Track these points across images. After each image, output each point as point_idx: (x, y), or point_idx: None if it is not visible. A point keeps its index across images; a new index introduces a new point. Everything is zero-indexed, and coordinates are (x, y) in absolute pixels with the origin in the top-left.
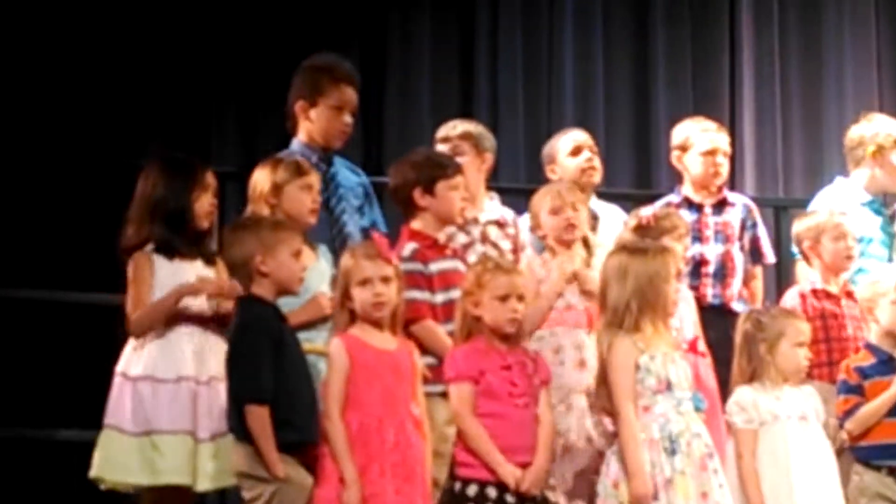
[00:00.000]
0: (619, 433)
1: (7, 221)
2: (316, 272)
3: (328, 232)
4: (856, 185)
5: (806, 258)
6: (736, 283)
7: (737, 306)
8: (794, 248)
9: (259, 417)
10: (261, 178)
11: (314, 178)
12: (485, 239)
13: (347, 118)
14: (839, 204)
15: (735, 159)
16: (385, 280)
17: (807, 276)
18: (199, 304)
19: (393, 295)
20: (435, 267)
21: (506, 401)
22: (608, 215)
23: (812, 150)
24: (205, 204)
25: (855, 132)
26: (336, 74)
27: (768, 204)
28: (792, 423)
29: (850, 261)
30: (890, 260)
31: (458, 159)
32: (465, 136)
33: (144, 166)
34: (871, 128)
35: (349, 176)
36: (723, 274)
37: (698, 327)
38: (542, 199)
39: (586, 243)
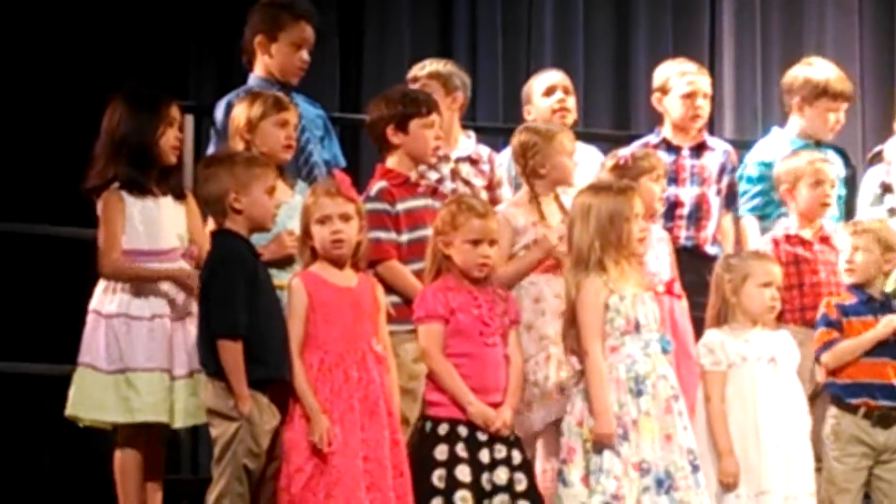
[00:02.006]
0: (585, 373)
1: None
2: (287, 208)
3: (295, 163)
4: (789, 133)
5: (784, 201)
6: (710, 227)
7: (710, 250)
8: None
9: (232, 352)
10: (237, 113)
11: (291, 115)
12: (455, 176)
13: (305, 55)
14: (774, 154)
15: (714, 102)
16: (344, 217)
17: (754, 231)
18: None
19: (353, 233)
20: (402, 206)
21: (476, 340)
22: (585, 157)
23: None
24: (170, 139)
25: (785, 79)
26: (296, 11)
27: (747, 146)
28: (761, 365)
29: (825, 208)
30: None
31: None
32: (433, 76)
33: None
34: (800, 74)
35: (308, 108)
36: (697, 217)
37: (675, 269)
38: (558, 139)
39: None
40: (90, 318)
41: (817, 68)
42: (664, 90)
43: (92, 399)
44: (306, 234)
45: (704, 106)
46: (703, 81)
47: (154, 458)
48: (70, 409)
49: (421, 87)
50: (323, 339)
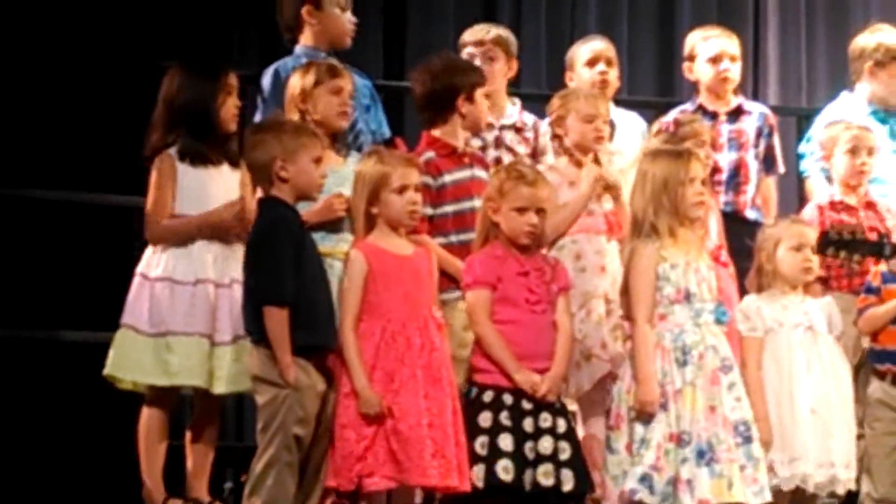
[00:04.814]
0: (632, 339)
1: (29, 122)
2: (337, 177)
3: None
4: (859, 98)
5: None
6: (749, 191)
7: (750, 214)
8: (804, 166)
9: (278, 320)
10: (292, 83)
11: (346, 82)
12: (499, 144)
13: (351, 15)
14: (844, 117)
15: (758, 68)
16: (418, 188)
17: (821, 190)
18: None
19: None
20: (449, 178)
21: (523, 307)
22: (626, 123)
23: (835, 59)
24: (230, 108)
25: (856, 44)
26: None
27: (791, 113)
28: (798, 332)
29: (862, 175)
30: None
31: None
32: (496, 41)
33: (168, 68)
34: (872, 40)
35: (355, 77)
36: (736, 182)
37: (722, 237)
38: (577, 103)
39: (595, 158)
40: (136, 280)
41: (889, 33)
42: (691, 57)
43: (130, 360)
44: (371, 202)
45: (732, 68)
46: (728, 44)
47: (205, 425)
48: (108, 370)
49: (483, 52)
50: (385, 308)
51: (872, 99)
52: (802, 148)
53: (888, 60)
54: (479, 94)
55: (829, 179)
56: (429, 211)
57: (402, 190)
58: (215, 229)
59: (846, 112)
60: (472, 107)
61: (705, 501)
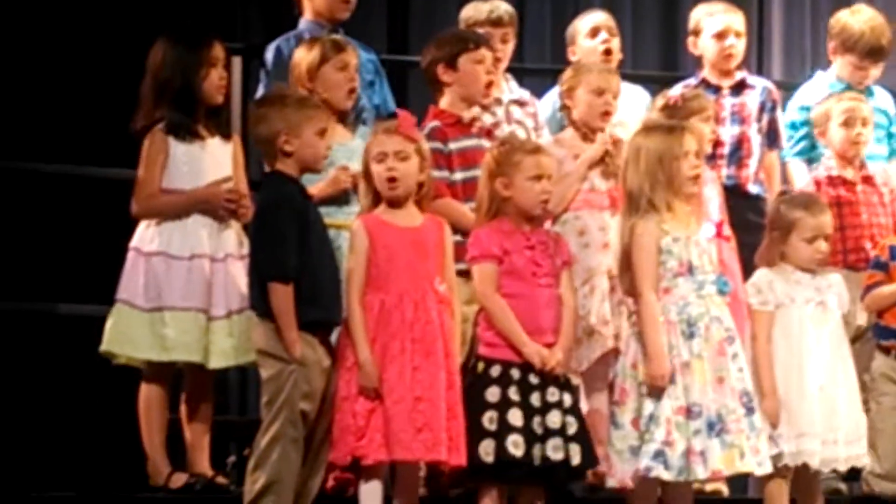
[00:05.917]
0: (639, 315)
1: (25, 94)
2: (346, 150)
3: None
4: (830, 77)
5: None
6: (752, 165)
7: (752, 188)
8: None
9: (283, 295)
10: (297, 60)
11: (351, 56)
12: (509, 118)
13: None
14: (815, 98)
15: (763, 43)
16: (401, 156)
17: (801, 175)
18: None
19: (411, 172)
20: (455, 145)
21: (529, 280)
22: (629, 96)
23: None
24: (214, 80)
25: (831, 20)
26: None
27: (795, 88)
28: (809, 307)
29: (858, 146)
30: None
31: None
32: (496, 24)
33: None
34: (841, 20)
35: (360, 52)
36: (738, 156)
37: (724, 210)
38: (589, 76)
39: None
40: (130, 255)
41: (858, 18)
42: (696, 32)
43: (126, 336)
44: (368, 174)
45: (737, 44)
46: (733, 19)
47: (198, 399)
48: (105, 346)
49: (502, 34)
50: (385, 281)
51: (841, 77)
52: None
53: (844, 48)
54: (463, 60)
55: (809, 161)
56: (446, 174)
57: (380, 158)
58: (201, 206)
59: (816, 92)
60: (458, 75)
61: (718, 472)
